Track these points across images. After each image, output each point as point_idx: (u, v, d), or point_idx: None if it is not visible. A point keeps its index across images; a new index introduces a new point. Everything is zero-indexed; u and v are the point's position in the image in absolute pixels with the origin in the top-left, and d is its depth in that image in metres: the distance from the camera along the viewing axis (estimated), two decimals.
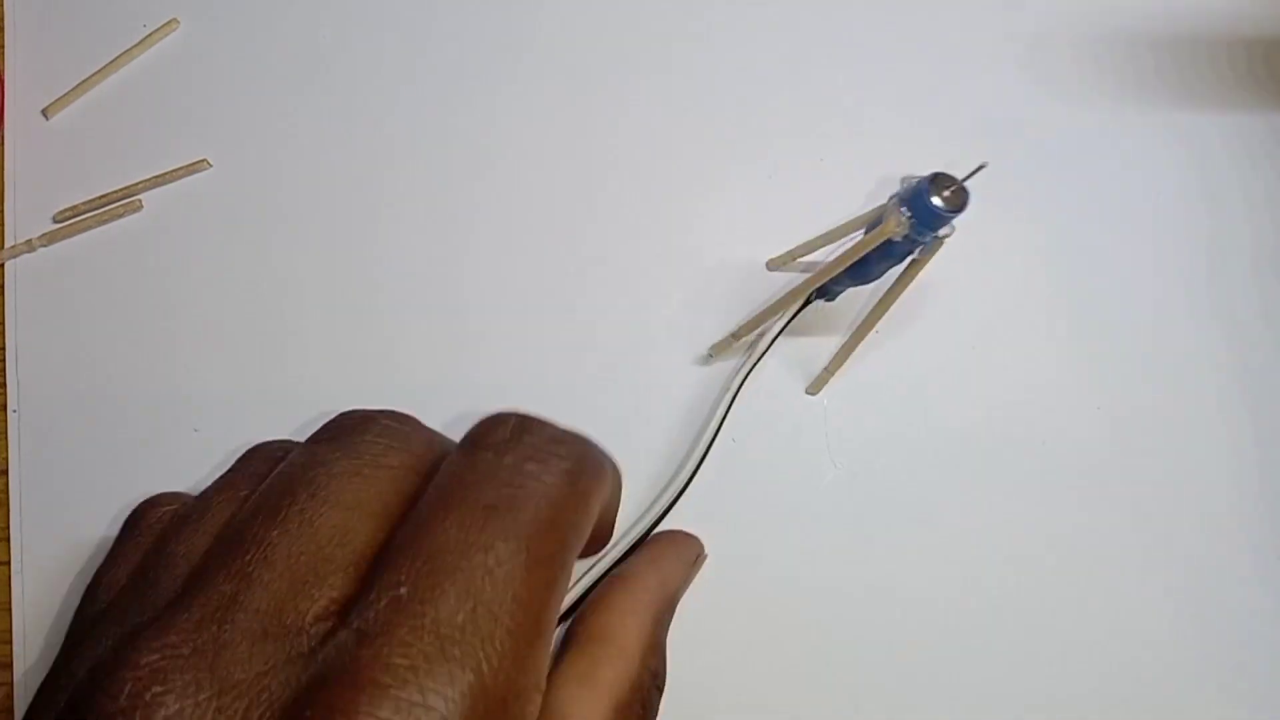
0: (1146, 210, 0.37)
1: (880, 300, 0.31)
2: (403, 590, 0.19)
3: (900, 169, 0.32)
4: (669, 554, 0.29)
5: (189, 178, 0.35)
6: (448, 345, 0.35)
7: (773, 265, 0.35)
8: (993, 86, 0.38)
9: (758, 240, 0.35)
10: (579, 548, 0.22)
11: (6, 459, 0.33)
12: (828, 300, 0.32)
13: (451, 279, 0.35)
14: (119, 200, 0.35)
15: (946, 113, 0.37)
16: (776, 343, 0.32)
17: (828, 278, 0.30)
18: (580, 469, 0.22)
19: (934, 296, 0.36)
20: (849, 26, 0.38)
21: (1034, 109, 0.38)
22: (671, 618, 0.28)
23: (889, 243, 0.27)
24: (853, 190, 0.36)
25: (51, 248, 0.35)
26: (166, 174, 0.35)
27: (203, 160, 0.35)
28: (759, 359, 0.32)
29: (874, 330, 0.32)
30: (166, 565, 0.23)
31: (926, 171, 0.26)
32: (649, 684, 0.24)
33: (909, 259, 0.28)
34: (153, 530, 0.25)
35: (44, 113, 0.35)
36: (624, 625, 0.25)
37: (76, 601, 0.26)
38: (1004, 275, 0.36)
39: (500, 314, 0.35)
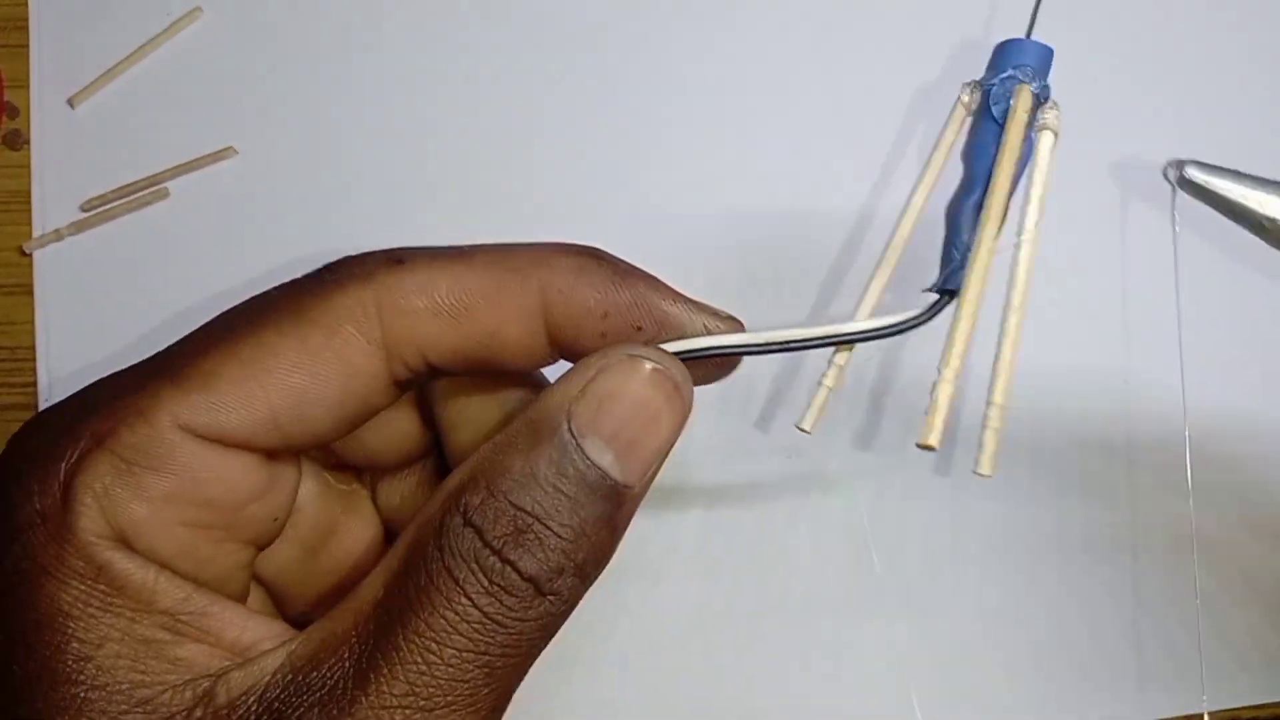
0: None
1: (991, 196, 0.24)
2: None
3: None
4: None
5: (215, 165, 0.35)
6: None
7: None
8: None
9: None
10: None
11: None
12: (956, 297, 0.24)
13: None
14: (146, 189, 0.35)
15: None
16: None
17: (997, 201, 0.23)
18: None
19: None
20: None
21: None
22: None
23: (978, 127, 0.25)
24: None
25: (79, 237, 0.35)
26: (192, 162, 0.35)
27: (229, 148, 0.35)
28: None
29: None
30: None
31: None
32: (449, 525, 0.21)
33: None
34: None
35: (70, 102, 0.35)
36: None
37: None
38: None
39: None
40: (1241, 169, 0.22)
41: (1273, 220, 0.22)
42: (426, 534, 0.21)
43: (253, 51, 0.36)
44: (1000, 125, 0.24)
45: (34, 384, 0.34)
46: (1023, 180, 0.24)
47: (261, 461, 0.22)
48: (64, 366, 0.34)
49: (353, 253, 0.24)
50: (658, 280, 0.24)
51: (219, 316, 0.23)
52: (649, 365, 0.22)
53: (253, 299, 0.23)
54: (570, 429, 0.21)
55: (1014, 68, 0.25)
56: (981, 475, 0.23)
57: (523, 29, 0.36)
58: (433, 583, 0.20)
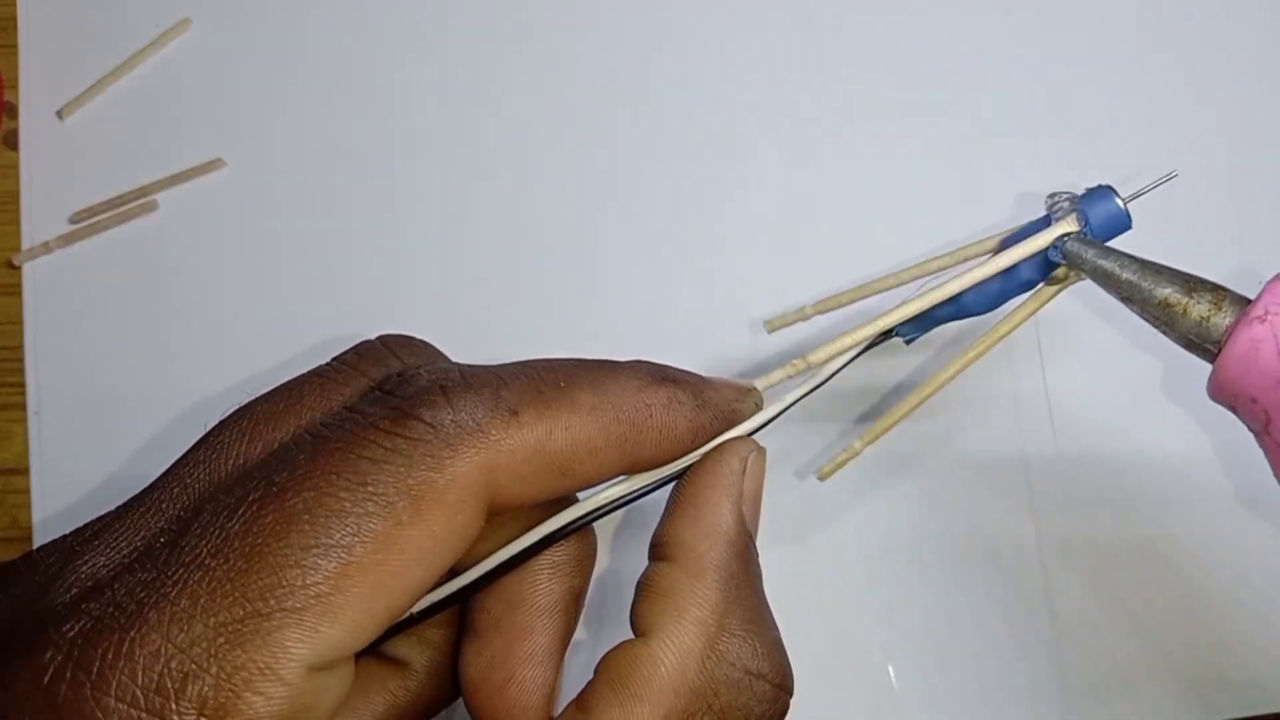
0: None
1: (981, 340, 0.28)
2: None
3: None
4: (711, 475, 0.24)
5: (204, 177, 0.35)
6: (461, 345, 0.35)
7: (772, 327, 0.32)
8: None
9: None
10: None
11: (28, 459, 0.34)
12: (906, 340, 0.28)
13: (466, 279, 0.35)
14: (134, 201, 0.35)
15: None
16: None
17: (938, 300, 0.26)
18: None
19: None
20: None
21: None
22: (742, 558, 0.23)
23: (1022, 266, 0.26)
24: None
25: (68, 249, 0.35)
26: (181, 174, 0.35)
27: (217, 160, 0.35)
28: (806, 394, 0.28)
29: (937, 392, 0.28)
30: None
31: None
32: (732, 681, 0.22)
33: (1030, 291, 0.27)
34: None
35: (58, 114, 0.35)
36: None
37: None
38: None
39: (513, 313, 0.35)
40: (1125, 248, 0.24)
41: (1158, 303, 0.24)
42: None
43: (242, 63, 0.36)
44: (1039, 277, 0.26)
45: (24, 396, 0.34)
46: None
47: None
48: (53, 380, 0.34)
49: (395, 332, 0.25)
50: (720, 384, 0.25)
51: (293, 480, 0.19)
52: (759, 454, 0.24)
53: (335, 448, 0.20)
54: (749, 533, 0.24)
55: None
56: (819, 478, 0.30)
57: (517, 38, 0.36)
58: None
